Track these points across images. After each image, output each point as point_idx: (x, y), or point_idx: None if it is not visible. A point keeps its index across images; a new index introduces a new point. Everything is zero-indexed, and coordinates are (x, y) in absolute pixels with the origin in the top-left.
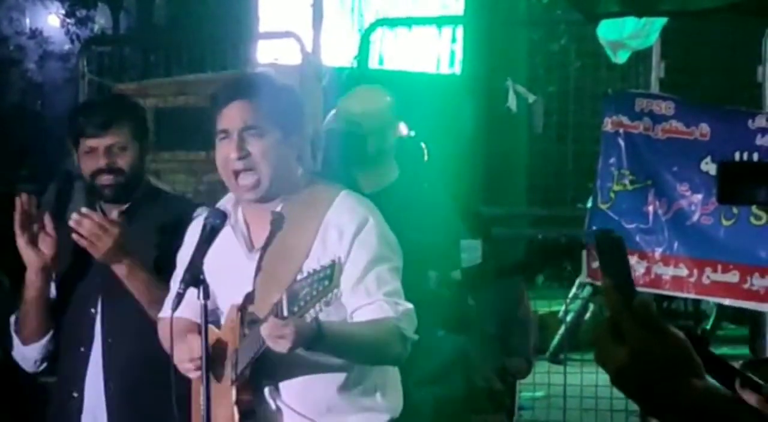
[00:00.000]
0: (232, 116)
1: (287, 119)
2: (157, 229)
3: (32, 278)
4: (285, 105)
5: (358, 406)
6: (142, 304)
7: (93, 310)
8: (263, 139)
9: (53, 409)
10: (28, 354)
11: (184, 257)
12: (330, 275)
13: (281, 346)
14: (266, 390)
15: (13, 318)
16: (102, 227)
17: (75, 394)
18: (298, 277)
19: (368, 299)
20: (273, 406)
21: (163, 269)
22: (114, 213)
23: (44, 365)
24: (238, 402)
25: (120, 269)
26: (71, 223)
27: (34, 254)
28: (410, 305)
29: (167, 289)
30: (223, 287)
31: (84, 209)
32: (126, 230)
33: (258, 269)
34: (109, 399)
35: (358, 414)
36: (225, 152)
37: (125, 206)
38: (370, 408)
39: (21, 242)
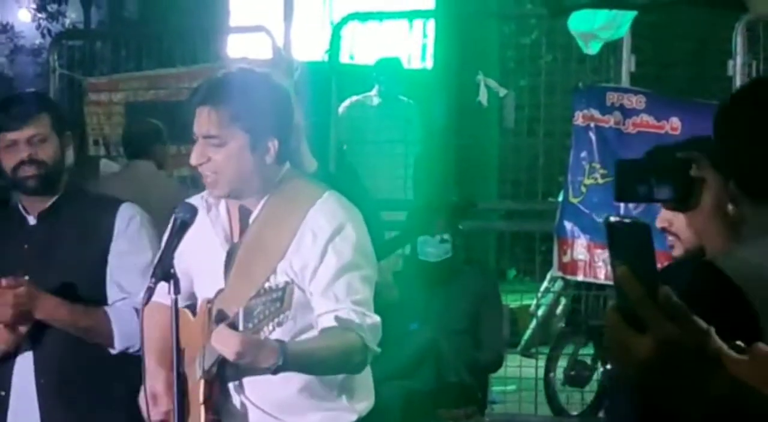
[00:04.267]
0: (198, 122)
1: (261, 121)
2: (80, 229)
3: None
4: (260, 107)
5: (320, 406)
6: (78, 336)
7: None
8: (224, 148)
9: None
10: None
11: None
12: (281, 297)
13: (229, 355)
14: (231, 386)
15: None
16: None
17: (2, 392)
18: (257, 292)
19: (336, 306)
20: (238, 402)
21: (88, 269)
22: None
23: None
24: (204, 398)
25: (42, 317)
26: None
27: None
28: (377, 318)
29: (99, 304)
30: (202, 279)
31: None
32: (30, 289)
33: (232, 263)
34: (41, 395)
35: (321, 413)
36: (192, 156)
37: (48, 203)
38: (333, 407)
39: None
